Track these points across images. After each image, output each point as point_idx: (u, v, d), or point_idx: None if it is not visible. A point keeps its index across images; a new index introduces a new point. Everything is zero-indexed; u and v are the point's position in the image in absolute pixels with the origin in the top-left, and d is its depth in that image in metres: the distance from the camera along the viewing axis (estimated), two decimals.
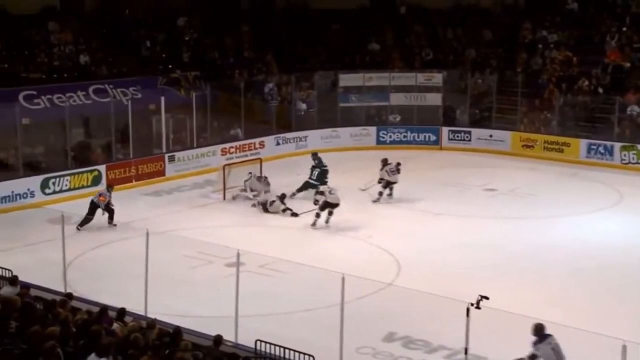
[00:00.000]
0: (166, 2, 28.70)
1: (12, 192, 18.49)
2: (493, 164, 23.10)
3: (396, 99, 26.66)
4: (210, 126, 23.80)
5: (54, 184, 19.39)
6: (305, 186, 19.75)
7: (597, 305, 13.17)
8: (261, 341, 10.19)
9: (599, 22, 27.47)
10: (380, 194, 19.49)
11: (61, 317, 8.99)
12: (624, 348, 8.41)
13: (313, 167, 20.22)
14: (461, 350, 9.90)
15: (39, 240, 15.77)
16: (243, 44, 28.20)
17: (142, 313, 11.50)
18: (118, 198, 19.77)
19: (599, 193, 20.64)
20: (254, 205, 19.06)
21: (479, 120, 26.41)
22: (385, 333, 12.07)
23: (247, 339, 10.58)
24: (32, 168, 20.13)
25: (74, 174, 19.94)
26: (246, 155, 23.18)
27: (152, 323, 9.70)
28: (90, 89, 22.63)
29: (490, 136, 25.41)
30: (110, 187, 18.22)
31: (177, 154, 22.15)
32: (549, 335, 9.81)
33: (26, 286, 10.87)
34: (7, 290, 10.60)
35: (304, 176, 20.15)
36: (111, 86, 23.03)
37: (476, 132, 25.67)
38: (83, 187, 19.94)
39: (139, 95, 23.19)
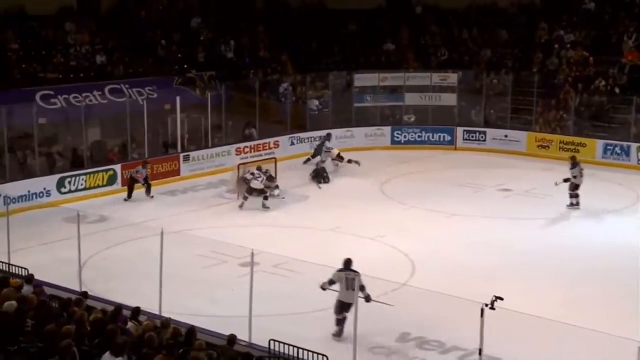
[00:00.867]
0: (182, 2, 28.84)
1: (29, 191, 18.62)
2: (508, 164, 23.01)
3: (411, 99, 26.61)
4: (225, 126, 23.86)
5: (70, 183, 19.51)
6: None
7: (613, 307, 13.08)
8: (275, 341, 10.21)
9: (616, 22, 27.28)
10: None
11: (76, 316, 9.05)
12: None
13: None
14: (475, 351, 9.87)
15: (55, 239, 15.89)
16: (258, 44, 28.26)
17: (157, 312, 11.56)
18: (133, 198, 19.95)
19: (615, 194, 20.50)
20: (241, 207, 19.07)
21: (494, 120, 26.32)
22: (399, 334, 12.06)
23: (261, 339, 10.60)
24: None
25: (89, 173, 20.06)
26: (261, 155, 23.22)
27: (167, 322, 9.74)
28: (107, 89, 22.76)
29: (506, 137, 25.31)
30: (146, 164, 19.76)
31: (192, 154, 22.22)
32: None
33: (40, 285, 10.93)
34: (24, 290, 10.68)
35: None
36: (127, 86, 23.14)
37: (491, 132, 25.58)
38: (99, 186, 20.06)
39: (155, 96, 23.30)
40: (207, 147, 22.93)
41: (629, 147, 23.28)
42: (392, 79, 26.68)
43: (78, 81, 22.92)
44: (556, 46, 27.22)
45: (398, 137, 26.06)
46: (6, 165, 19.10)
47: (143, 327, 9.44)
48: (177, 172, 21.51)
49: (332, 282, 12.07)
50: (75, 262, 13.08)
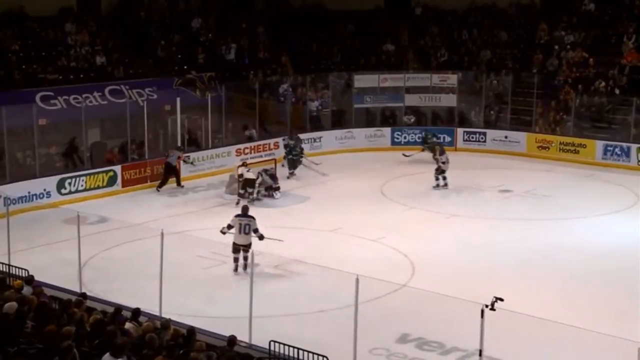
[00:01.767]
0: (182, 3, 28.84)
1: (29, 192, 18.61)
2: (508, 165, 23.02)
3: (411, 100, 26.62)
4: (225, 127, 23.85)
5: (69, 184, 19.51)
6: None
7: (613, 308, 13.08)
8: (275, 342, 10.20)
9: (616, 22, 27.28)
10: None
11: (76, 317, 9.05)
12: None
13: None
14: (475, 352, 9.86)
15: (55, 240, 15.88)
16: (258, 45, 28.26)
17: (157, 313, 11.56)
18: (133, 199, 19.97)
19: (615, 195, 20.50)
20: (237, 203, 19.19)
21: (494, 121, 26.34)
22: (399, 334, 12.06)
23: (261, 340, 10.60)
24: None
25: (89, 174, 20.06)
26: (261, 156, 23.23)
27: (167, 323, 9.74)
28: (106, 90, 22.75)
29: (506, 137, 25.32)
30: (181, 148, 20.94)
31: (192, 155, 22.22)
32: None
33: (39, 286, 10.93)
34: (24, 291, 10.68)
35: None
36: (127, 87, 23.14)
37: (491, 133, 25.59)
38: (99, 187, 20.07)
39: (155, 96, 23.29)
40: (207, 148, 22.92)
41: (628, 147, 23.28)
42: (391, 79, 26.68)
43: (78, 82, 22.91)
44: (556, 47, 27.22)
45: (398, 138, 26.07)
46: (6, 166, 19.09)
47: (143, 327, 9.44)
48: (163, 174, 21.43)
49: (229, 227, 14.53)
50: (75, 263, 13.07)
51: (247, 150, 23.37)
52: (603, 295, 13.71)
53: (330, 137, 25.29)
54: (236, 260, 14.26)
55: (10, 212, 14.66)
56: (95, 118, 22.11)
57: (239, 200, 19.32)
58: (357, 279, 10.08)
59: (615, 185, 21.29)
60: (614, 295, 13.71)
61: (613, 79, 25.20)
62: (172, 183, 21.06)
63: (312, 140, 25.04)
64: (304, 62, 28.00)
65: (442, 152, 21.02)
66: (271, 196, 19.82)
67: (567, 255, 15.90)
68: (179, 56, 26.18)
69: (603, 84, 25.14)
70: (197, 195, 20.61)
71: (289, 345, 10.08)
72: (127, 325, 9.72)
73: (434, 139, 23.39)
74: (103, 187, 20.11)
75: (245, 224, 14.42)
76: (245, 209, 14.93)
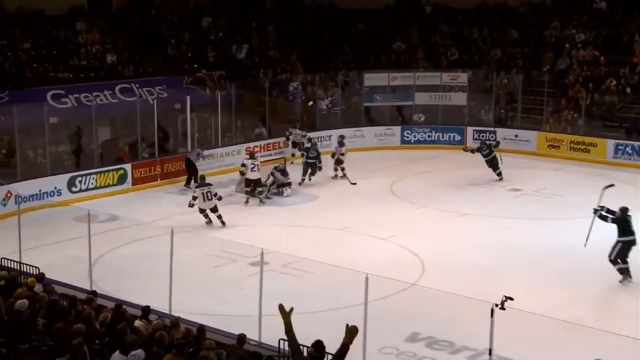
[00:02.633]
0: (192, 1, 28.90)
1: (40, 190, 18.69)
2: (518, 164, 22.92)
3: (421, 98, 26.58)
4: (235, 125, 23.89)
5: (80, 182, 19.58)
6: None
7: (624, 307, 13.03)
8: (285, 340, 10.19)
9: (627, 21, 27.16)
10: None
11: (84, 314, 9.08)
12: None
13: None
14: (485, 351, 9.84)
15: (66, 238, 15.94)
16: (268, 44, 28.29)
17: (166, 311, 11.59)
18: (143, 197, 20.03)
19: (626, 194, 20.36)
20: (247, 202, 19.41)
21: (504, 120, 26.27)
22: (409, 333, 12.04)
23: (270, 338, 10.60)
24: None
25: (100, 172, 20.12)
26: (270, 155, 23.26)
27: (176, 321, 9.77)
28: (117, 88, 22.83)
29: (516, 136, 25.24)
30: (202, 146, 21.42)
31: (202, 153, 22.22)
32: None
33: (50, 283, 10.98)
34: (35, 288, 10.73)
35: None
36: (137, 85, 23.21)
37: (501, 132, 25.51)
38: (109, 185, 20.13)
39: (165, 95, 23.35)
40: (217, 147, 22.97)
41: None
42: (401, 78, 26.64)
43: (88, 80, 23.00)
44: (567, 45, 27.13)
45: (408, 137, 26.03)
46: (17, 164, 19.18)
47: (153, 325, 9.47)
48: (186, 171, 21.51)
49: (195, 198, 17.37)
50: (86, 261, 13.13)
51: (256, 149, 23.35)
52: (614, 295, 13.66)
53: None
54: (206, 216, 17.50)
55: (22, 210, 14.76)
56: (105, 116, 22.20)
57: (247, 198, 19.35)
58: (367, 278, 10.07)
59: (626, 185, 21.13)
60: (624, 294, 13.65)
61: (624, 77, 25.10)
62: (183, 182, 21.14)
63: (322, 138, 25.04)
64: (314, 61, 28.00)
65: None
66: (280, 194, 19.84)
67: (578, 254, 15.81)
68: (189, 55, 26.23)
69: (614, 82, 25.03)
70: None
71: (299, 344, 10.07)
72: (137, 323, 9.74)
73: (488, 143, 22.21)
74: (113, 185, 20.18)
75: (207, 192, 17.38)
76: (202, 178, 18.20)
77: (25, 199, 17.40)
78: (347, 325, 7.38)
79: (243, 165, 19.80)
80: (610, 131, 24.24)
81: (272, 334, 10.59)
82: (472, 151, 21.87)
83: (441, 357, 11.50)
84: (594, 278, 14.48)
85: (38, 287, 10.52)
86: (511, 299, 9.30)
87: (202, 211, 17.46)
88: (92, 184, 19.80)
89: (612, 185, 15.47)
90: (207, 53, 26.38)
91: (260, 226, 17.66)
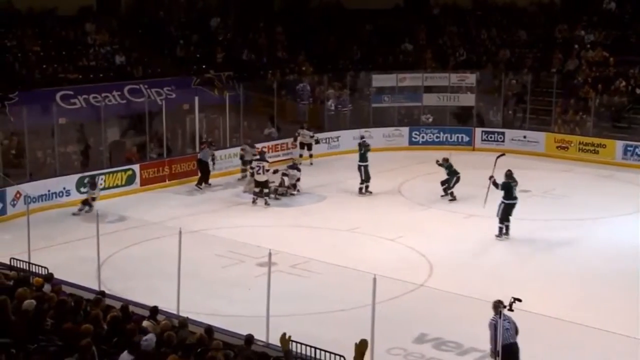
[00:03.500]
0: (200, 2, 28.95)
1: (49, 190, 18.76)
2: (527, 165, 22.84)
3: (429, 99, 26.55)
4: (243, 126, 23.92)
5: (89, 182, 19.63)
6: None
7: (631, 309, 12.96)
8: (292, 341, 10.20)
9: (637, 22, 27.05)
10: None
11: (92, 315, 9.11)
12: None
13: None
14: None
15: (74, 238, 16.00)
16: (276, 44, 28.31)
17: (174, 312, 11.61)
18: (151, 197, 20.07)
19: (635, 195, 20.31)
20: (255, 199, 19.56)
21: (513, 121, 26.21)
22: (417, 334, 12.03)
23: (278, 339, 10.57)
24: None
25: (108, 173, 20.18)
26: (278, 155, 23.28)
27: (184, 322, 9.78)
28: (125, 89, 22.88)
29: (524, 137, 25.17)
30: (212, 144, 21.42)
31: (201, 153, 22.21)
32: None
33: (58, 283, 11.01)
34: (44, 288, 10.76)
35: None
36: (146, 86, 23.26)
37: (510, 133, 25.46)
38: (117, 186, 20.19)
39: (173, 96, 23.39)
40: (225, 147, 23.00)
41: None
42: (410, 79, 26.62)
43: (97, 81, 23.08)
44: (576, 46, 27.04)
45: (416, 138, 26.00)
46: (26, 165, 19.25)
47: (161, 326, 9.48)
48: (195, 172, 21.57)
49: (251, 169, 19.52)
50: (94, 261, 13.17)
51: (265, 150, 23.35)
52: (622, 296, 13.59)
53: (348, 137, 25.25)
54: (255, 194, 19.31)
55: (30, 211, 14.82)
56: (114, 117, 22.27)
57: (255, 199, 19.38)
58: (375, 279, 10.07)
59: (635, 186, 21.09)
60: (633, 296, 13.58)
61: (634, 78, 25.00)
62: (193, 182, 21.17)
63: (330, 139, 25.06)
64: (321, 62, 28.01)
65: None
66: (291, 194, 19.88)
67: (586, 255, 15.80)
68: (198, 55, 26.28)
69: (623, 83, 24.94)
70: (215, 194, 20.67)
71: (306, 345, 10.08)
72: (145, 323, 9.76)
73: None
74: (122, 185, 20.23)
75: (262, 166, 19.14)
76: (262, 153, 19.89)
77: (34, 200, 17.48)
78: (356, 344, 7.32)
79: (242, 149, 19.99)
80: (619, 132, 24.14)
81: (280, 335, 10.60)
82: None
83: (449, 359, 11.49)
84: (603, 279, 14.45)
85: (47, 287, 10.55)
86: (519, 300, 9.29)
87: (257, 184, 19.08)
88: (101, 184, 19.84)
89: (503, 154, 18.61)
90: (215, 54, 26.42)
91: (268, 227, 17.67)
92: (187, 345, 8.61)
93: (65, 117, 20.77)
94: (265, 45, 27.89)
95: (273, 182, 19.95)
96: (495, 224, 17.39)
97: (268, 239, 14.60)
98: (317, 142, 23.99)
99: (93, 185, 18.77)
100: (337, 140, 25.18)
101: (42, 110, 20.08)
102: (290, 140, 24.11)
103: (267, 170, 19.41)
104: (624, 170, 22.63)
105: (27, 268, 12.71)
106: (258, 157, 20.07)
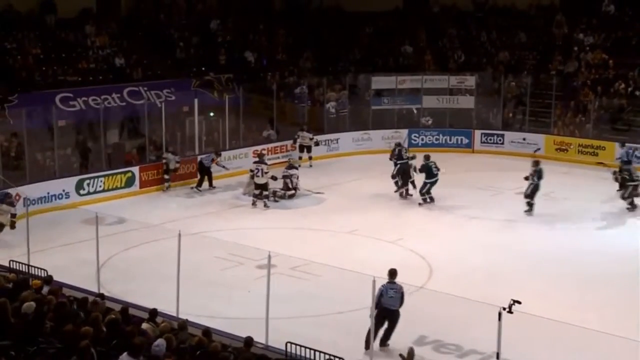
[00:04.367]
0: (200, 5, 28.97)
1: (48, 193, 18.75)
2: (526, 167, 22.86)
3: (428, 101, 26.56)
4: (243, 128, 23.91)
5: (88, 185, 19.63)
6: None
7: (631, 311, 12.95)
8: (292, 343, 10.21)
9: (636, 24, 27.08)
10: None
11: (92, 317, 9.10)
12: None
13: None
14: (493, 354, 9.82)
15: (74, 240, 15.98)
16: (276, 47, 28.32)
17: (174, 314, 11.60)
18: (150, 199, 20.07)
19: (635, 198, 20.30)
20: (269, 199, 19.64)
21: (512, 123, 26.22)
22: (416, 336, 12.02)
23: (277, 341, 10.61)
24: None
25: (108, 175, 20.17)
26: (278, 157, 23.28)
27: (184, 324, 9.78)
28: (125, 91, 22.89)
29: (524, 139, 25.17)
30: (218, 154, 21.40)
31: (219, 161, 22.19)
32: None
33: (58, 286, 11.01)
34: (43, 291, 10.76)
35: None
36: (145, 88, 23.28)
37: (509, 135, 25.46)
38: (117, 188, 20.18)
39: (173, 98, 23.41)
40: (224, 149, 22.99)
41: None
42: (409, 81, 26.64)
43: (97, 83, 23.08)
44: (575, 48, 27.06)
45: (415, 140, 26.00)
46: (26, 167, 19.25)
47: (160, 328, 9.48)
48: (194, 174, 21.57)
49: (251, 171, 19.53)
50: (94, 264, 13.15)
51: (264, 152, 23.39)
52: (622, 298, 13.58)
53: (347, 139, 25.28)
54: (254, 196, 19.39)
55: (30, 213, 14.79)
56: (113, 119, 22.27)
57: (254, 201, 19.39)
58: (374, 281, 10.07)
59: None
60: (632, 298, 13.57)
61: (633, 80, 25.01)
62: (192, 184, 21.17)
63: (330, 141, 25.06)
64: (321, 64, 28.03)
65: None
66: (290, 196, 19.93)
67: (586, 257, 15.79)
68: (197, 58, 26.29)
69: (623, 85, 24.96)
70: (214, 197, 20.67)
71: (306, 347, 10.08)
72: (144, 325, 9.76)
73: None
74: (121, 188, 20.22)
75: (260, 169, 19.16)
76: (260, 156, 20.31)
77: (33, 202, 17.46)
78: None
79: (251, 170, 19.77)
80: (619, 134, 24.14)
81: (279, 337, 10.61)
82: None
83: None
84: (602, 281, 14.44)
85: (45, 290, 10.54)
86: (519, 302, 9.28)
87: (257, 187, 19.13)
88: (100, 186, 19.84)
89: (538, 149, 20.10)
90: (216, 56, 26.42)
91: (267, 229, 17.66)
92: (181, 349, 8.61)
93: (65, 119, 20.77)
94: (265, 48, 27.89)
95: (276, 190, 19.93)
96: (494, 225, 17.43)
97: (267, 241, 14.58)
98: (317, 144, 24.04)
99: (10, 202, 16.51)
100: (337, 143, 25.18)
101: (41, 112, 20.09)
102: (289, 142, 24.11)
103: (266, 173, 19.40)
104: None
105: (27, 270, 12.70)
106: (257, 159, 20.11)
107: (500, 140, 25.57)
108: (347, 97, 26.40)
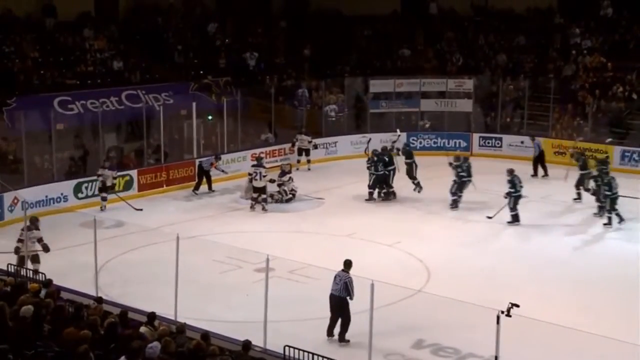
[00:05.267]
0: (198, 8, 28.98)
1: (46, 196, 18.74)
2: (524, 170, 22.88)
3: (426, 104, 26.58)
4: (241, 131, 23.92)
5: (86, 188, 19.61)
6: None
7: (630, 315, 12.95)
8: (290, 347, 10.20)
9: (634, 27, 27.12)
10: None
11: (89, 320, 9.09)
12: None
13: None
14: (491, 358, 9.83)
15: (72, 244, 15.97)
16: (274, 50, 28.33)
17: (172, 317, 11.60)
18: (149, 203, 20.06)
19: (633, 201, 20.32)
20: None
21: (510, 126, 26.24)
22: (415, 340, 12.02)
23: (275, 345, 10.60)
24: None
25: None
26: (276, 161, 23.28)
27: (182, 327, 9.77)
28: (123, 95, 22.89)
29: (522, 143, 25.18)
30: (218, 157, 21.31)
31: (218, 165, 22.19)
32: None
33: (54, 289, 10.99)
34: (41, 294, 10.74)
35: None
36: (143, 92, 23.28)
37: (507, 138, 25.48)
38: (115, 192, 20.14)
39: (171, 101, 23.41)
40: (222, 153, 22.98)
41: None
42: (407, 84, 26.66)
43: (95, 87, 23.08)
44: (573, 52, 27.10)
45: (413, 143, 25.98)
46: (24, 171, 19.24)
47: (158, 332, 9.47)
48: (192, 178, 21.57)
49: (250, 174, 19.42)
50: (92, 267, 13.15)
51: (262, 155, 23.36)
52: (620, 302, 13.59)
53: (345, 142, 25.27)
54: (253, 199, 19.34)
55: (28, 216, 14.76)
56: (111, 123, 22.26)
57: (253, 204, 19.38)
58: (373, 285, 10.07)
59: (633, 191, 21.10)
60: (631, 301, 13.58)
61: (631, 84, 25.04)
62: (190, 187, 21.16)
63: (328, 145, 25.06)
64: (319, 67, 28.04)
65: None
66: (287, 200, 19.93)
67: (584, 261, 15.82)
68: (195, 61, 26.30)
69: (621, 89, 24.98)
70: (212, 200, 20.66)
71: (304, 350, 10.07)
72: (143, 329, 9.75)
73: None
74: (119, 191, 20.19)
75: (259, 172, 19.16)
76: (259, 159, 20.14)
77: (31, 205, 17.40)
78: None
79: (250, 174, 19.81)
80: (617, 138, 24.15)
81: (278, 340, 10.61)
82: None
83: None
84: (601, 285, 14.46)
85: (43, 293, 10.53)
86: (517, 305, 9.29)
87: (255, 190, 19.08)
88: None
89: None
90: (213, 59, 26.43)
91: (266, 232, 17.66)
92: (179, 353, 8.60)
93: (63, 123, 20.76)
94: (263, 51, 27.91)
95: (273, 193, 19.94)
96: (492, 229, 17.44)
97: (266, 245, 14.57)
98: (315, 147, 24.04)
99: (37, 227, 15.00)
100: (335, 146, 25.18)
101: (40, 116, 20.08)
102: (288, 145, 24.11)
103: (265, 176, 19.40)
104: (622, 175, 22.56)
105: (25, 274, 12.69)
106: (255, 162, 20.12)
107: (498, 143, 25.59)
108: (343, 100, 26.39)
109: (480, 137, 25.79)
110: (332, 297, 11.86)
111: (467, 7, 30.42)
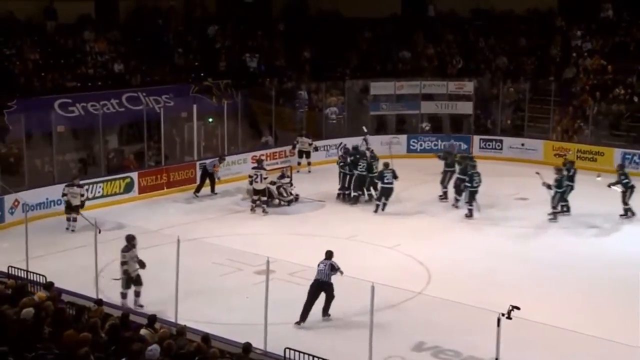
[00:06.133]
0: (198, 10, 28.99)
1: (47, 198, 18.73)
2: (525, 173, 22.89)
3: (427, 107, 26.58)
4: (241, 134, 23.92)
5: (87, 190, 19.59)
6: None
7: (630, 317, 12.94)
8: (290, 349, 10.20)
9: (635, 29, 27.11)
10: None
11: (90, 323, 9.09)
12: None
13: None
14: None
15: (72, 246, 15.98)
16: (275, 52, 28.34)
17: (173, 320, 11.59)
18: (149, 205, 20.07)
19: (633, 203, 20.33)
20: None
21: (511, 128, 26.25)
22: (415, 342, 12.01)
23: (276, 347, 10.60)
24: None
25: (106, 181, 20.16)
26: (277, 163, 23.28)
27: (182, 330, 9.77)
28: (124, 97, 22.89)
29: (522, 145, 25.20)
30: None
31: (209, 162, 22.25)
32: None
33: (55, 291, 10.99)
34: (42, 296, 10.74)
35: None
36: (144, 94, 23.27)
37: (508, 140, 25.48)
38: (116, 194, 20.17)
39: (172, 103, 23.41)
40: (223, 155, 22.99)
41: None
42: (407, 86, 26.67)
43: (96, 89, 23.08)
44: (574, 54, 27.09)
45: (414, 145, 26.02)
46: (25, 173, 19.24)
47: (159, 334, 9.47)
48: (193, 180, 21.58)
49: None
50: (92, 269, 13.15)
51: (262, 157, 23.37)
52: (620, 304, 13.59)
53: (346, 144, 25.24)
54: (253, 202, 19.44)
55: (29, 219, 14.78)
56: (112, 125, 22.27)
57: (253, 207, 19.38)
58: (373, 287, 10.06)
59: (634, 194, 21.09)
60: (633, 303, 13.57)
61: (631, 86, 25.04)
62: (191, 189, 21.17)
63: (328, 147, 25.06)
64: (320, 69, 28.04)
65: None
66: (284, 203, 19.93)
67: (585, 263, 15.81)
68: (196, 63, 26.31)
69: (621, 91, 24.98)
70: (213, 202, 20.66)
71: (304, 353, 10.07)
72: (143, 331, 9.75)
73: None
74: (120, 193, 20.22)
75: (259, 174, 19.26)
76: (259, 162, 20.15)
77: (32, 208, 17.44)
78: None
79: (250, 176, 19.80)
80: (618, 140, 24.16)
81: (278, 343, 10.61)
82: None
83: None
84: (602, 287, 14.45)
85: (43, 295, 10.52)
86: (518, 308, 9.28)
87: (255, 192, 19.18)
88: (99, 192, 19.83)
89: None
90: (213, 61, 26.44)
91: (266, 235, 17.66)
92: (180, 355, 8.60)
93: (64, 125, 20.76)
94: (263, 53, 27.91)
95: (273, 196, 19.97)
96: (493, 231, 17.44)
97: (266, 247, 14.58)
98: (316, 149, 24.04)
99: (79, 185, 16.20)
100: (335, 148, 25.17)
101: (40, 118, 20.08)
102: (288, 147, 24.12)
103: (265, 178, 19.41)
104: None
105: (25, 276, 12.69)
106: (256, 164, 20.12)
107: (499, 145, 25.60)
108: (344, 103, 26.40)
109: (480, 139, 25.78)
110: (316, 283, 12.47)
111: (467, 10, 30.36)
